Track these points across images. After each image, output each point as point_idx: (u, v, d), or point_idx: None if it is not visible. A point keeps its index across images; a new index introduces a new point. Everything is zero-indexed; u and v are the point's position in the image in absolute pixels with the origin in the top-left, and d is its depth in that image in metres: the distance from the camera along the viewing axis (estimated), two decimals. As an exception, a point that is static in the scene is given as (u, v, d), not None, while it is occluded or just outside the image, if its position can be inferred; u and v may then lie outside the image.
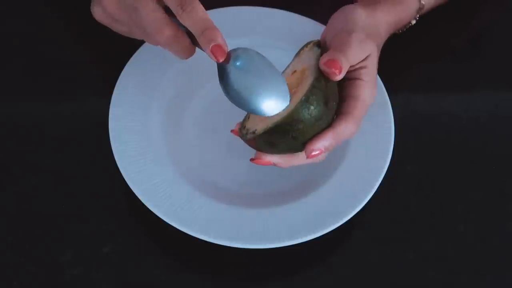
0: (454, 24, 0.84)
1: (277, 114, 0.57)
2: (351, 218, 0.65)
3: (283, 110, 0.57)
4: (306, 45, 0.64)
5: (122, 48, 0.75)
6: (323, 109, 0.58)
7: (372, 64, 0.63)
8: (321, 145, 0.59)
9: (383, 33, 0.68)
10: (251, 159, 0.62)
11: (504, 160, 0.74)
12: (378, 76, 0.72)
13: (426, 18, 0.75)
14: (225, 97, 0.59)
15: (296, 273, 0.66)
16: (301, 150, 0.60)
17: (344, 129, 0.60)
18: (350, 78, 0.62)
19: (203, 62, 0.75)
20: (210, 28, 0.57)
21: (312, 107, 0.57)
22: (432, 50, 0.82)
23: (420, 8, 0.72)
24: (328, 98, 0.59)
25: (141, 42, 0.74)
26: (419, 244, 0.68)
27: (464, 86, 0.80)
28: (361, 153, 0.69)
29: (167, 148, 0.69)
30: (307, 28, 0.75)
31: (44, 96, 0.75)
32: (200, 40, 0.57)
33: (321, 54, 0.61)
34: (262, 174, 0.70)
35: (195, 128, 0.73)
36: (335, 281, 0.66)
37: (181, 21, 0.58)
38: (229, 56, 0.57)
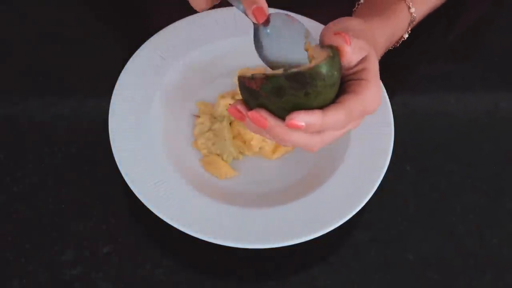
0: (454, 24, 0.84)
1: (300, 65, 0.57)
2: (351, 218, 0.65)
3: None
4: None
5: (122, 48, 0.76)
6: (338, 79, 0.57)
7: (373, 67, 0.61)
8: (305, 118, 0.55)
9: (381, 44, 0.68)
10: (248, 114, 0.58)
11: (504, 160, 0.74)
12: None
13: (425, 18, 0.76)
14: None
15: (296, 273, 0.66)
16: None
17: (333, 114, 0.57)
18: (352, 78, 0.61)
19: (203, 62, 0.75)
20: None
21: (334, 69, 0.56)
22: (432, 50, 0.82)
23: (411, 21, 0.72)
24: (340, 74, 0.58)
25: (141, 42, 0.74)
26: (419, 244, 0.68)
27: (464, 86, 0.80)
28: (361, 153, 0.69)
29: (167, 148, 0.69)
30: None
31: (44, 96, 0.75)
32: (243, 1, 0.59)
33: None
34: (262, 174, 0.71)
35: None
36: (335, 281, 0.66)
37: None
38: (268, 19, 0.60)
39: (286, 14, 0.61)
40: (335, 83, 0.57)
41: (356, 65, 0.60)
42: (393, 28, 0.70)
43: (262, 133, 0.59)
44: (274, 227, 0.64)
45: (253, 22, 0.61)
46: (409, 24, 0.72)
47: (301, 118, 0.56)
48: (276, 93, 0.56)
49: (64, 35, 0.79)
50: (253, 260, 0.66)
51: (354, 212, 0.65)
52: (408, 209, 0.70)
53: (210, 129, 0.72)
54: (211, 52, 0.75)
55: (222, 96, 0.73)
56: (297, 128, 0.56)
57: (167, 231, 0.63)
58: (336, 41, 0.58)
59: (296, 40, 0.60)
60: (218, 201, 0.66)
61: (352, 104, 0.58)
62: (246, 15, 0.60)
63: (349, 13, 0.73)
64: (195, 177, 0.69)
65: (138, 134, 0.68)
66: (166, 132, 0.70)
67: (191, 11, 0.69)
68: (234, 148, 0.70)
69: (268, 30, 0.61)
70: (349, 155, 0.69)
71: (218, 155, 0.71)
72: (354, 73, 0.60)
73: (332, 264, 0.67)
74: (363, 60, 0.61)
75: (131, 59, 0.72)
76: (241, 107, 0.58)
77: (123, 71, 0.71)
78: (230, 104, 0.60)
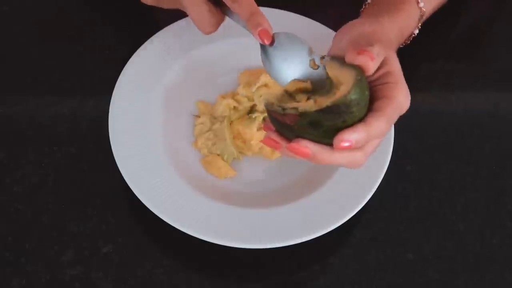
0: (454, 24, 0.84)
1: (324, 96, 0.57)
2: (351, 218, 0.65)
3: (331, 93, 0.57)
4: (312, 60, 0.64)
5: (122, 48, 0.76)
6: (368, 96, 0.57)
7: (396, 67, 0.61)
8: (352, 137, 0.55)
9: (394, 40, 0.67)
10: (287, 146, 0.57)
11: (504, 160, 0.74)
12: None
13: (426, 19, 0.76)
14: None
15: (296, 273, 0.66)
16: None
17: (375, 124, 0.56)
18: (378, 83, 0.60)
19: (203, 62, 0.75)
20: (257, 14, 0.62)
21: (364, 90, 0.56)
22: (432, 50, 0.82)
23: (421, 16, 0.72)
24: (369, 90, 0.58)
25: (141, 42, 0.74)
26: (419, 244, 0.68)
27: (464, 86, 0.80)
28: (361, 153, 0.69)
29: (167, 148, 0.69)
30: (307, 28, 0.75)
31: (44, 96, 0.75)
32: (248, 24, 0.62)
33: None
34: (262, 174, 0.71)
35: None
36: (335, 281, 0.66)
37: (231, 6, 0.63)
38: (273, 39, 0.62)
39: (289, 33, 0.62)
40: (367, 101, 0.57)
41: (377, 71, 0.60)
42: (403, 23, 0.70)
43: (300, 158, 0.58)
44: (274, 227, 0.64)
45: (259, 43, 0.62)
46: (419, 20, 0.72)
47: (347, 138, 0.55)
48: (312, 126, 0.56)
49: (64, 35, 0.79)
50: (253, 260, 0.66)
51: (354, 212, 0.65)
52: (408, 209, 0.70)
53: (210, 129, 0.72)
54: (211, 52, 0.75)
55: (222, 96, 0.73)
56: (346, 148, 0.56)
57: (167, 231, 0.63)
58: (361, 61, 0.57)
59: (301, 56, 0.62)
60: (218, 201, 0.66)
61: (389, 109, 0.58)
62: (252, 34, 0.62)
63: (349, 12, 0.73)
64: (195, 177, 0.69)
65: (138, 134, 0.68)
66: (166, 132, 0.70)
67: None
68: (235, 148, 0.70)
69: (274, 49, 0.63)
70: (349, 155, 0.69)
71: (218, 155, 0.71)
72: (378, 78, 0.60)
73: (332, 264, 0.67)
74: (383, 63, 0.60)
75: (131, 59, 0.72)
76: (278, 139, 0.58)
77: (123, 71, 0.71)
78: (264, 137, 0.60)
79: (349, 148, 0.56)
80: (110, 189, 0.69)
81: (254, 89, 0.72)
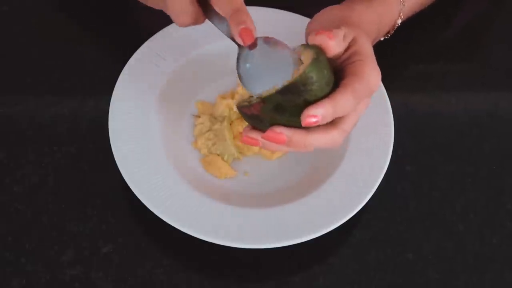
0: (454, 24, 0.84)
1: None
2: (351, 218, 0.65)
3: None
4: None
5: (122, 48, 0.75)
6: (331, 75, 0.57)
7: (364, 47, 0.61)
8: (317, 111, 0.55)
9: (369, 26, 0.67)
10: (262, 136, 0.58)
11: (504, 160, 0.74)
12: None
13: (425, 17, 0.76)
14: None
15: (296, 273, 0.66)
16: None
17: (341, 98, 0.56)
18: (347, 63, 0.60)
19: (203, 63, 0.75)
20: (242, 11, 0.57)
21: (323, 68, 0.56)
22: (432, 49, 0.82)
23: (402, 5, 0.71)
24: (332, 71, 0.58)
25: (141, 42, 0.74)
26: (419, 244, 0.68)
27: (464, 86, 0.80)
28: (361, 153, 0.69)
29: (167, 148, 0.69)
30: (300, 24, 0.74)
31: (44, 96, 0.75)
32: (230, 21, 0.57)
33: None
34: (262, 174, 0.71)
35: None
36: (335, 281, 0.66)
37: (213, 1, 0.58)
38: (255, 43, 0.57)
39: (275, 40, 0.59)
40: (329, 80, 0.57)
41: (345, 51, 0.60)
42: (381, 9, 0.70)
43: (283, 148, 0.59)
44: (274, 227, 0.64)
45: (237, 45, 0.59)
46: (401, 9, 0.72)
47: (313, 112, 0.56)
48: (277, 110, 0.57)
49: (64, 35, 0.79)
50: (253, 260, 0.66)
51: (354, 212, 0.65)
52: (408, 209, 0.70)
53: (210, 129, 0.72)
54: (210, 52, 0.75)
55: (222, 96, 0.73)
56: (314, 123, 0.56)
57: (167, 231, 0.63)
58: (319, 40, 0.58)
59: (283, 68, 0.57)
60: (218, 201, 0.66)
61: (355, 83, 0.58)
62: (231, 37, 0.58)
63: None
64: (195, 177, 0.69)
65: (138, 134, 0.68)
66: (166, 132, 0.70)
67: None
68: (235, 148, 0.70)
69: (254, 56, 0.58)
70: (349, 155, 0.69)
71: (218, 155, 0.71)
72: (347, 58, 0.60)
73: (332, 264, 0.67)
74: (351, 44, 0.61)
75: (131, 59, 0.72)
76: (252, 134, 0.59)
77: (123, 72, 0.71)
78: (242, 136, 0.60)
79: (316, 123, 0.56)
80: (110, 189, 0.69)
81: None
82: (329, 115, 0.56)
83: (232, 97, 0.73)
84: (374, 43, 0.69)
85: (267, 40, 0.59)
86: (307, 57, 0.57)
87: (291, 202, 0.66)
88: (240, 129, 0.71)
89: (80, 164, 0.70)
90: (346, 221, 0.64)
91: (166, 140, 0.70)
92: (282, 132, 0.57)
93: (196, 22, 0.61)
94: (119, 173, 0.65)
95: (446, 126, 0.76)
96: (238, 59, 0.59)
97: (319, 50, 0.58)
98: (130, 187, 0.64)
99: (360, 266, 0.67)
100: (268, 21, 0.76)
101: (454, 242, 0.69)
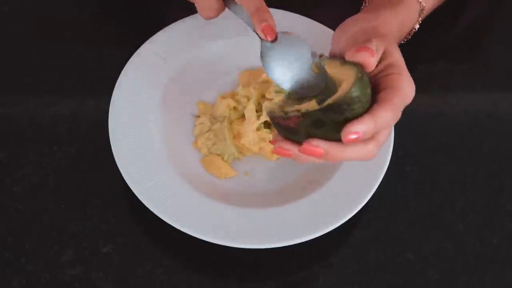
0: (453, 24, 0.84)
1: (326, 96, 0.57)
2: (351, 218, 0.65)
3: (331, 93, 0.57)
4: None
5: (122, 48, 0.75)
6: (371, 94, 0.57)
7: (398, 59, 0.61)
8: (359, 128, 0.55)
9: (395, 32, 0.67)
10: (299, 149, 0.57)
11: (504, 160, 0.74)
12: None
13: (426, 19, 0.75)
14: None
15: (296, 273, 0.66)
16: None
17: (382, 113, 0.56)
18: (382, 76, 0.60)
19: (203, 62, 0.75)
20: (263, 9, 0.61)
21: (366, 87, 0.56)
22: (432, 50, 0.82)
23: (421, 10, 0.72)
24: (372, 86, 0.57)
25: (141, 42, 0.74)
26: (419, 244, 0.68)
27: (464, 86, 0.80)
28: (361, 153, 0.69)
29: (167, 148, 0.69)
30: (307, 28, 0.75)
31: (44, 96, 0.75)
32: (253, 18, 0.61)
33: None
34: (262, 174, 0.71)
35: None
36: (335, 281, 0.66)
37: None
38: (276, 37, 0.61)
39: (293, 34, 0.62)
40: (369, 98, 0.57)
41: (379, 64, 0.60)
42: (404, 16, 0.69)
43: (316, 160, 0.58)
44: (274, 227, 0.64)
45: (261, 39, 0.61)
46: (419, 14, 0.72)
47: (354, 129, 0.55)
48: (315, 125, 0.56)
49: (64, 35, 0.79)
50: (253, 260, 0.66)
51: (354, 212, 0.65)
52: (408, 209, 0.70)
53: (210, 129, 0.72)
54: (211, 52, 0.75)
55: (222, 96, 0.73)
56: (355, 140, 0.55)
57: (167, 231, 0.63)
58: (360, 57, 0.58)
59: (303, 59, 0.61)
60: (218, 201, 0.66)
61: (395, 98, 0.57)
62: (254, 30, 0.61)
63: (349, 11, 0.73)
64: (195, 177, 0.69)
65: (138, 134, 0.68)
66: (166, 132, 0.70)
67: (191, 11, 0.70)
68: (235, 148, 0.70)
69: (275, 48, 0.61)
70: (349, 155, 0.69)
71: (218, 155, 0.71)
72: (381, 71, 0.60)
73: (332, 264, 0.67)
74: (383, 57, 0.60)
75: (131, 59, 0.72)
76: (287, 146, 0.58)
77: (123, 71, 0.71)
78: (274, 148, 0.60)
79: (357, 140, 0.55)
80: (110, 189, 0.69)
81: (252, 87, 0.71)
82: (370, 131, 0.56)
83: (232, 97, 0.73)
84: None
85: (286, 34, 0.62)
86: (349, 75, 0.57)
87: (291, 202, 0.66)
88: (240, 129, 0.71)
89: (80, 164, 0.70)
90: (346, 221, 0.64)
91: (166, 140, 0.70)
92: (319, 145, 0.56)
93: (218, 14, 0.66)
94: (119, 173, 0.65)
95: (446, 126, 0.76)
96: (261, 52, 0.62)
97: (360, 68, 0.57)
98: (130, 187, 0.64)
99: (360, 266, 0.67)
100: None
101: (454, 242, 0.69)
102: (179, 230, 0.63)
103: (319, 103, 0.56)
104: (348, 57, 0.58)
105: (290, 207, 0.66)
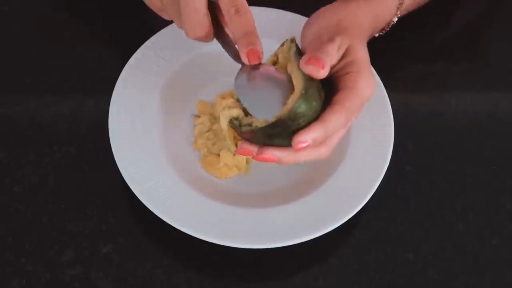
0: (453, 24, 0.84)
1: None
2: (351, 218, 0.65)
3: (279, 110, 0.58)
4: (282, 44, 0.64)
5: (122, 48, 0.75)
6: (319, 102, 0.58)
7: (359, 57, 0.61)
8: (308, 137, 0.57)
9: (365, 26, 0.67)
10: (254, 156, 0.60)
11: (503, 160, 0.74)
12: (378, 77, 0.72)
13: (425, 17, 0.76)
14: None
15: (296, 273, 0.66)
16: None
17: (332, 119, 0.57)
18: (341, 74, 0.60)
19: (203, 62, 0.75)
20: (253, 33, 0.59)
21: (311, 100, 0.57)
22: (432, 50, 0.82)
23: (400, 3, 0.71)
24: (321, 91, 0.59)
25: (141, 42, 0.74)
26: (419, 244, 0.68)
27: (464, 86, 0.80)
28: (361, 153, 0.69)
29: (167, 148, 0.69)
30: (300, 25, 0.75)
31: (44, 96, 0.75)
32: (241, 40, 0.59)
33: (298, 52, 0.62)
34: (262, 174, 0.70)
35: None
36: (335, 281, 0.66)
37: (229, 21, 0.60)
38: (259, 64, 0.60)
39: (275, 68, 0.62)
40: (317, 108, 0.58)
41: (340, 60, 0.60)
42: (378, 9, 0.69)
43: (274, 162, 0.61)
44: (274, 227, 0.64)
45: (241, 64, 0.61)
46: (398, 8, 0.72)
47: (303, 139, 0.57)
48: (267, 137, 0.59)
49: (64, 35, 0.79)
50: (253, 260, 0.66)
51: (354, 212, 0.65)
52: (408, 209, 0.70)
53: (210, 129, 0.72)
54: (211, 52, 0.75)
55: (222, 96, 0.73)
56: (305, 148, 0.57)
57: (167, 231, 0.63)
58: (309, 71, 0.58)
59: (277, 94, 0.60)
60: (218, 201, 0.66)
61: (348, 100, 0.58)
62: (235, 58, 0.62)
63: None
64: (195, 177, 0.69)
65: (138, 134, 0.68)
66: (166, 132, 0.70)
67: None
68: (235, 148, 0.70)
69: (254, 76, 0.61)
70: (349, 155, 0.69)
71: (218, 155, 0.71)
72: (341, 68, 0.60)
73: (332, 264, 0.67)
74: (346, 54, 0.61)
75: (131, 59, 0.72)
76: (249, 147, 0.60)
77: (123, 71, 0.71)
78: (237, 148, 0.62)
79: (308, 148, 0.57)
80: (110, 189, 0.69)
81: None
82: (320, 138, 0.58)
83: (232, 97, 0.73)
84: (369, 39, 0.68)
85: (268, 67, 0.61)
86: (298, 85, 0.58)
87: (291, 202, 0.66)
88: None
89: (80, 164, 0.70)
90: (346, 221, 0.64)
91: (166, 140, 0.70)
92: (272, 154, 0.59)
93: (207, 37, 0.63)
94: (119, 173, 0.65)
95: (446, 126, 0.76)
96: (238, 74, 0.62)
97: (308, 80, 0.58)
98: (130, 187, 0.64)
99: (360, 266, 0.67)
100: (268, 21, 0.77)
101: (454, 243, 0.69)
102: (179, 230, 0.63)
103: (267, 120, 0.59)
104: (300, 65, 0.59)
105: (290, 207, 0.66)
